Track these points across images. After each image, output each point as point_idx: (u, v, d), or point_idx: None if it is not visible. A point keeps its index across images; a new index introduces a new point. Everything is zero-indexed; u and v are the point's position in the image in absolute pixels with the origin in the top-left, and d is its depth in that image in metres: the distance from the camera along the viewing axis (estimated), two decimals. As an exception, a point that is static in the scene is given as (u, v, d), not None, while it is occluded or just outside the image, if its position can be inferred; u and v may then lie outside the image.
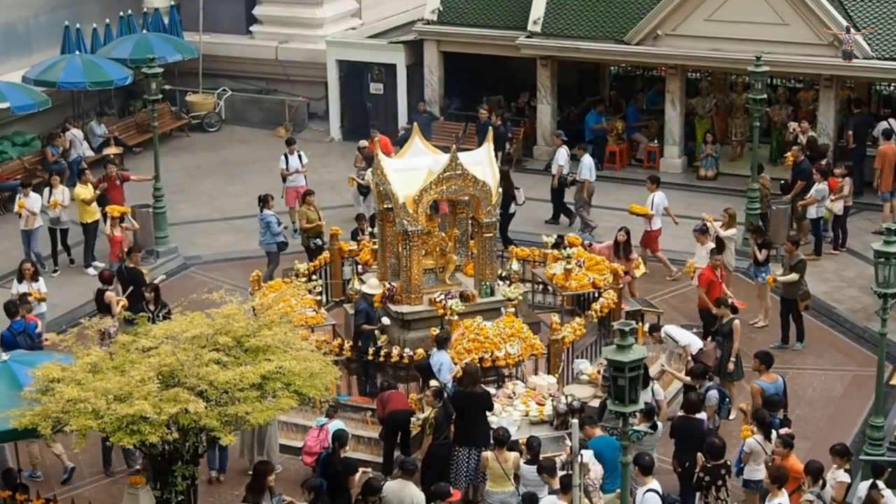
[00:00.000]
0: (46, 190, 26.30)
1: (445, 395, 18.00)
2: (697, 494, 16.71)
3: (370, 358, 19.62)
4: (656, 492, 15.93)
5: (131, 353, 15.36)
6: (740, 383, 20.39)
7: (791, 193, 26.44)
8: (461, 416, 17.85)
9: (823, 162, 27.07)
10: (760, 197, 26.22)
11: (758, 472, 16.98)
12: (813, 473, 16.09)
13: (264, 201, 25.13)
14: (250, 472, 17.86)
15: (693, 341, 20.48)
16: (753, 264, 23.92)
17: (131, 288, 22.22)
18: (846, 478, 16.40)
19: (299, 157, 27.94)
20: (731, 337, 20.21)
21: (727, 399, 19.05)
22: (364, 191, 27.53)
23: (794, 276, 22.18)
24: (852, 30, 28.13)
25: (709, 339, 20.68)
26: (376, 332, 20.29)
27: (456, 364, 18.64)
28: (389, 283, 20.48)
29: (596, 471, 16.53)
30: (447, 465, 17.79)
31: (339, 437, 17.15)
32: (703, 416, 17.78)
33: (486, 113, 30.28)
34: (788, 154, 27.44)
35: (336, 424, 17.90)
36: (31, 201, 25.79)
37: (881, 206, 27.31)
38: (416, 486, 16.24)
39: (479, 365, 18.71)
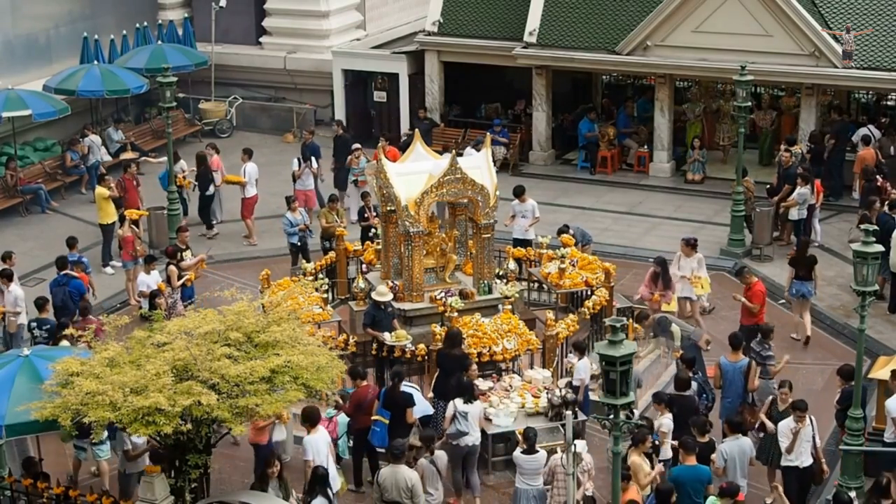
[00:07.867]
0: None
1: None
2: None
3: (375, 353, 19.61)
4: None
5: (147, 348, 15.35)
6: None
7: (779, 196, 26.38)
8: (442, 374, 18.55)
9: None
10: (745, 199, 26.18)
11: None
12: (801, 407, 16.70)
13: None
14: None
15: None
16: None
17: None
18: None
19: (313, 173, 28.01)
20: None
21: (708, 390, 18.87)
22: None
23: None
24: (848, 32, 28.09)
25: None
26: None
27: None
28: (392, 282, 20.46)
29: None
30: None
31: (398, 374, 17.83)
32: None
33: (339, 129, 30.52)
34: (783, 154, 27.18)
35: (345, 418, 17.92)
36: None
37: (859, 208, 27.21)
38: (407, 468, 16.29)
39: (459, 329, 19.04)
